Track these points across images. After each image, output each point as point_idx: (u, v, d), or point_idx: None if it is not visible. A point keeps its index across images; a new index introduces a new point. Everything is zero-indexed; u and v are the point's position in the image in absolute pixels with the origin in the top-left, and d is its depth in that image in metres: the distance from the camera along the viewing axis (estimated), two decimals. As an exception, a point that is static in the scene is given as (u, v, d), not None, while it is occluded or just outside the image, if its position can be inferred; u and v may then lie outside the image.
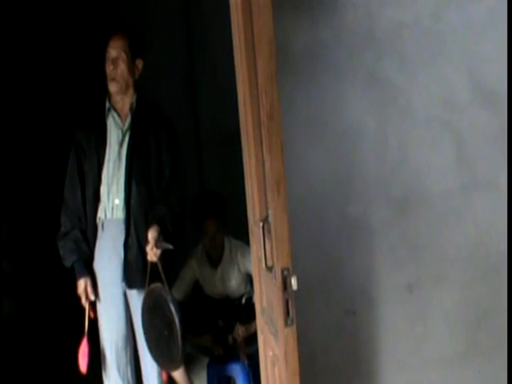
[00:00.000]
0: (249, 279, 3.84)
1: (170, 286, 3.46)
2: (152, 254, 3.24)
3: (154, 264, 3.26)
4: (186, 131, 5.46)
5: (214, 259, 3.99)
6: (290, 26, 2.89)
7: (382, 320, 3.04)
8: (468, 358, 3.09)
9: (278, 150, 2.24)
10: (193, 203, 3.96)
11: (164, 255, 3.31)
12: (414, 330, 3.07)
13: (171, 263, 3.50)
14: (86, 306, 3.42)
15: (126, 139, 3.43)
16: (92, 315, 3.44)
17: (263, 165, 2.37)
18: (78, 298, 3.44)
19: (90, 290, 3.40)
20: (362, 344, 3.05)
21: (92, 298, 3.41)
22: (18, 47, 5.10)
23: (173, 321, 3.18)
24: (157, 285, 3.26)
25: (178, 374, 3.87)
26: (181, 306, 3.88)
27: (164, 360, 3.36)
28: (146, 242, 3.26)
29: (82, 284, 3.41)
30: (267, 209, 2.34)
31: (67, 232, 3.47)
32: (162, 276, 3.24)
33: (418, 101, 3.01)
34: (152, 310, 3.31)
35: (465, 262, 3.06)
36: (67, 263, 3.46)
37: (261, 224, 2.37)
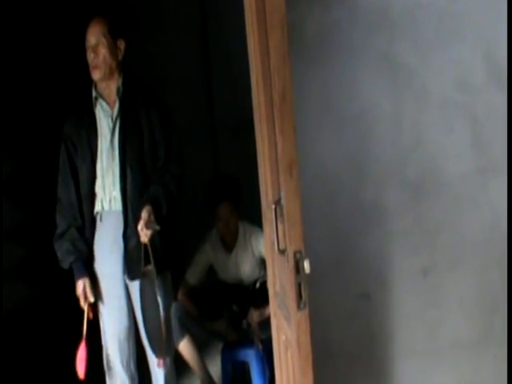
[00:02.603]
0: (263, 264, 3.83)
1: (170, 271, 3.45)
2: (143, 234, 3.17)
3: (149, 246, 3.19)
4: (201, 118, 5.46)
5: (228, 244, 3.98)
6: (303, 6, 2.86)
7: (397, 304, 3.02)
8: (483, 343, 3.07)
9: (290, 132, 2.22)
10: (206, 187, 3.95)
11: (169, 240, 3.31)
12: (428, 315, 3.05)
13: (178, 247, 3.45)
14: (85, 308, 3.33)
15: (117, 126, 3.32)
16: (91, 316, 3.35)
17: (276, 147, 2.35)
18: (77, 300, 3.35)
19: (88, 290, 3.31)
20: (376, 328, 3.03)
21: (91, 299, 3.32)
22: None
23: (157, 306, 3.17)
24: (148, 267, 3.20)
25: (192, 359, 3.87)
26: (193, 294, 3.89)
27: (154, 345, 3.32)
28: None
29: (81, 285, 3.32)
30: (280, 191, 2.32)
31: (63, 232, 3.37)
32: (151, 259, 3.17)
33: (433, 83, 2.98)
34: (143, 293, 3.27)
35: (480, 245, 3.03)
36: (65, 265, 3.37)
37: (273, 207, 2.35)
